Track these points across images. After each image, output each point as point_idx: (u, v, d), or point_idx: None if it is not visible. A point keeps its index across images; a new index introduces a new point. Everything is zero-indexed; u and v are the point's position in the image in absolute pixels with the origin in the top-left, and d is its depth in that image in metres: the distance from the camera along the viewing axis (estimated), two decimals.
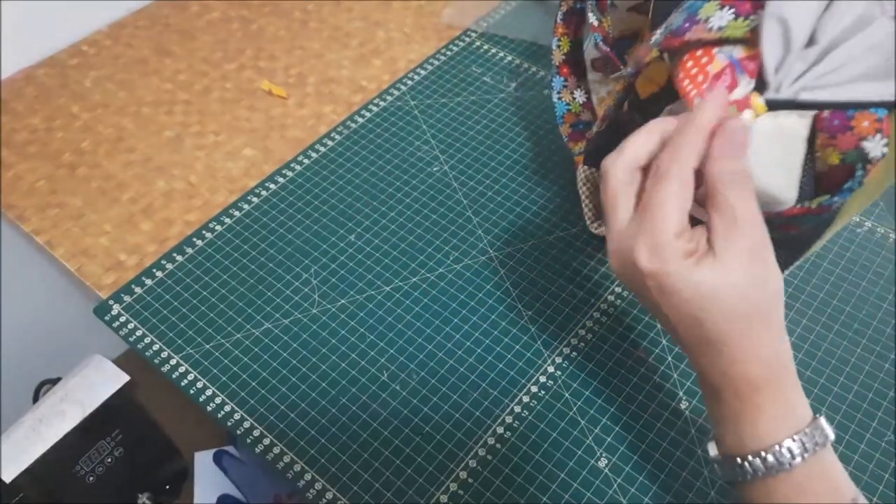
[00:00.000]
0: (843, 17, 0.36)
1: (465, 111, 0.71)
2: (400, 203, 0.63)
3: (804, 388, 0.51)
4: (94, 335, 0.77)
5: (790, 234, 0.42)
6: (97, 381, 0.79)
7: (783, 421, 0.36)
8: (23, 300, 0.85)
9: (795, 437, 0.35)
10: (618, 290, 0.57)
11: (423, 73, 0.75)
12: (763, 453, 0.35)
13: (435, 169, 0.66)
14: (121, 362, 0.82)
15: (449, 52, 0.77)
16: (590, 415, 0.51)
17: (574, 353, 0.54)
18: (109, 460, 0.79)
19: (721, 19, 0.38)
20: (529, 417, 0.51)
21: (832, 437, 0.36)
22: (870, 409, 0.51)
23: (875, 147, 0.36)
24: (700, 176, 0.36)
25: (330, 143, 0.69)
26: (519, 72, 0.74)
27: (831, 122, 0.37)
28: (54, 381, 0.83)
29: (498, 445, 0.49)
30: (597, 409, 0.51)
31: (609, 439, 0.49)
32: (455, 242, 0.60)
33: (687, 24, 0.39)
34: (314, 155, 0.68)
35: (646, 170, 0.37)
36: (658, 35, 0.41)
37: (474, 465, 0.49)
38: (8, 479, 0.73)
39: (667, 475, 0.48)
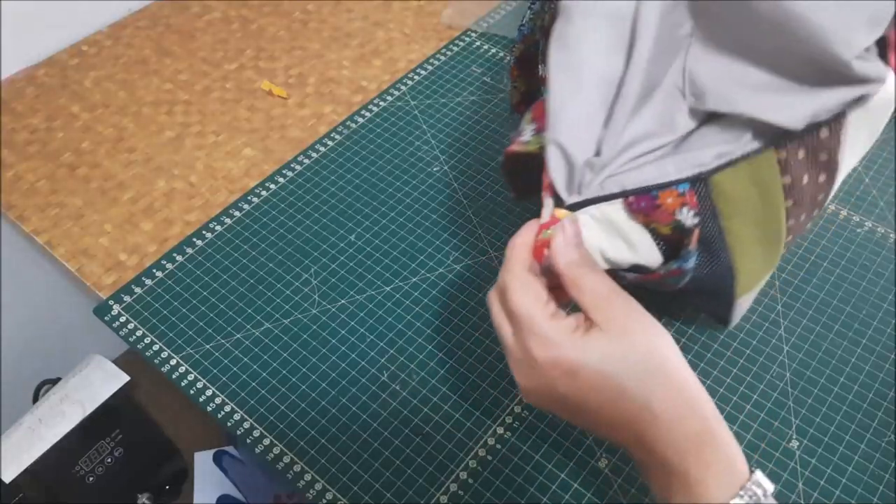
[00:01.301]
0: (623, 129, 0.38)
1: (465, 111, 0.71)
2: (400, 203, 0.63)
3: (804, 390, 0.51)
4: (94, 335, 0.77)
5: (685, 290, 0.44)
6: (97, 381, 0.79)
7: (728, 477, 0.35)
8: (23, 300, 0.85)
9: (742, 495, 0.35)
10: None
11: (423, 73, 0.75)
12: None
13: (435, 169, 0.66)
14: (121, 362, 0.82)
15: (449, 52, 0.77)
16: None
17: None
18: (109, 460, 0.79)
19: (527, 134, 0.41)
20: (529, 418, 0.51)
21: (771, 488, 0.35)
22: (870, 409, 0.50)
23: (686, 218, 0.38)
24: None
25: (330, 143, 0.69)
26: None
27: (639, 204, 0.38)
28: (54, 381, 0.83)
29: (498, 446, 0.49)
30: None
31: None
32: (455, 242, 0.60)
33: (514, 135, 0.42)
34: (314, 155, 0.68)
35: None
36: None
37: (474, 465, 0.49)
38: (8, 479, 0.73)
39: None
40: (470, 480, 0.48)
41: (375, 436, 0.50)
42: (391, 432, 0.50)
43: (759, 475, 0.36)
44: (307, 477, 0.49)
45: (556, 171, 0.39)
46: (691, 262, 0.40)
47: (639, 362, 0.35)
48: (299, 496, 0.49)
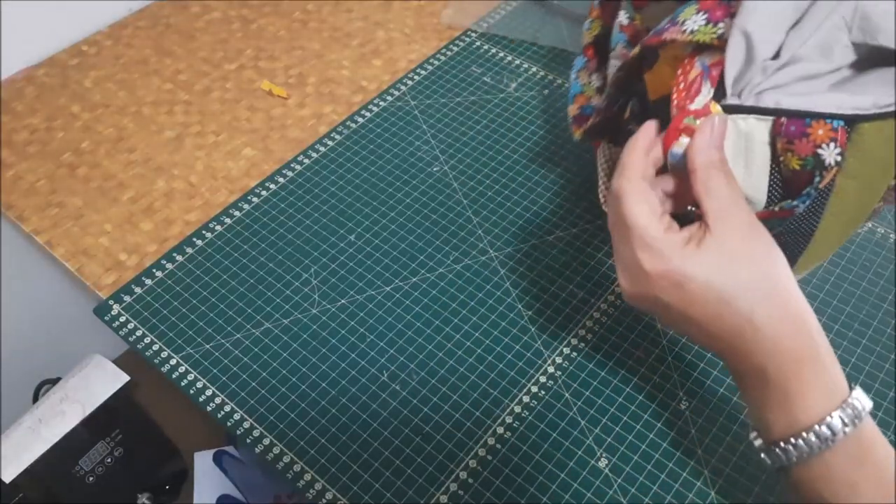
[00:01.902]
0: (808, 38, 0.38)
1: (465, 111, 0.71)
2: (400, 203, 0.63)
3: None
4: (94, 335, 0.77)
5: None
6: (97, 381, 0.79)
7: (829, 393, 0.36)
8: (23, 300, 0.85)
9: (845, 408, 0.35)
10: (618, 290, 0.57)
11: (423, 73, 0.75)
12: (818, 427, 0.35)
13: (435, 169, 0.66)
14: (121, 362, 0.82)
15: (449, 53, 0.77)
16: (590, 415, 0.51)
17: (574, 353, 0.54)
18: (109, 460, 0.79)
19: (694, 23, 0.40)
20: (529, 417, 0.51)
21: (870, 405, 0.36)
22: None
23: (829, 155, 0.38)
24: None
25: (330, 143, 0.69)
26: (519, 72, 0.74)
27: (788, 128, 0.38)
28: (54, 381, 0.83)
29: (498, 445, 0.49)
30: (597, 409, 0.51)
31: (609, 439, 0.49)
32: (455, 242, 0.60)
33: (667, 25, 0.41)
34: (314, 155, 0.68)
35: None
36: (646, 36, 0.43)
37: (474, 465, 0.49)
38: (8, 479, 0.73)
39: (667, 475, 0.48)
40: (470, 480, 0.48)
41: (375, 436, 0.50)
42: (391, 432, 0.50)
43: (858, 391, 0.36)
44: (307, 477, 0.49)
45: (732, 62, 0.38)
46: (802, 207, 0.39)
47: (750, 279, 0.35)
48: (299, 496, 0.49)
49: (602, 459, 0.48)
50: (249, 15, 0.83)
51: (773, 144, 0.39)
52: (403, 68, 0.76)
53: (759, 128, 0.38)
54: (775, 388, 0.36)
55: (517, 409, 0.51)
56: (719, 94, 0.39)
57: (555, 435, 0.50)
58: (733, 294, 0.35)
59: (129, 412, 0.82)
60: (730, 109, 0.38)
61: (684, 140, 0.38)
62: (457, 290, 0.57)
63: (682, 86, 0.40)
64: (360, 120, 0.70)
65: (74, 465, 0.78)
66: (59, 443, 0.75)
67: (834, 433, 0.35)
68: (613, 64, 0.59)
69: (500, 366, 0.53)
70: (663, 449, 0.49)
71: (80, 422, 0.76)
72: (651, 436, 0.50)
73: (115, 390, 0.79)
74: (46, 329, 0.90)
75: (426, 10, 0.83)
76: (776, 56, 0.38)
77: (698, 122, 0.38)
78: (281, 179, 0.66)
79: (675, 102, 0.40)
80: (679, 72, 0.41)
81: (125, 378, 0.80)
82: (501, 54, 0.76)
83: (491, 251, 0.60)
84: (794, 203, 0.39)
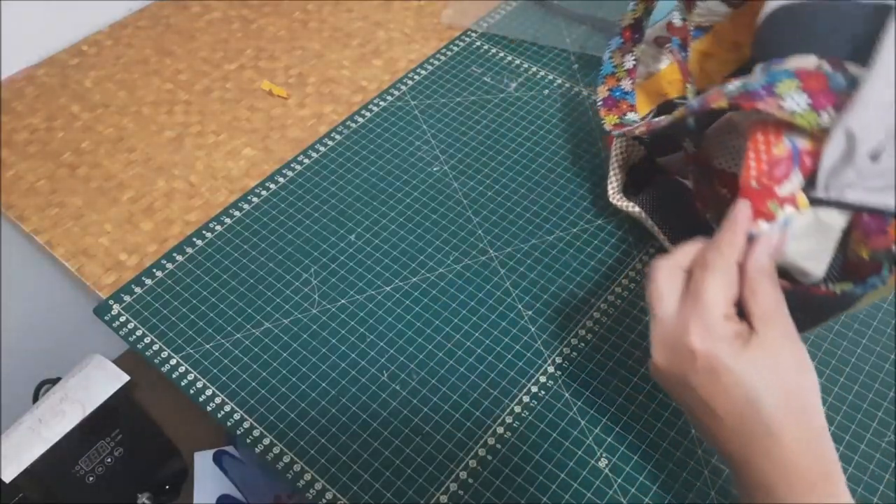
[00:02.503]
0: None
1: (465, 111, 0.71)
2: (400, 203, 0.63)
3: None
4: (94, 335, 0.77)
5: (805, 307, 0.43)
6: (97, 381, 0.79)
7: None
8: (23, 300, 0.85)
9: None
10: (618, 290, 0.57)
11: (423, 73, 0.75)
12: None
13: (435, 169, 0.66)
14: (121, 362, 0.82)
15: (449, 53, 0.77)
16: (590, 415, 0.51)
17: (574, 353, 0.54)
18: (109, 460, 0.79)
19: (796, 104, 0.39)
20: (529, 417, 0.51)
21: None
22: (870, 409, 0.51)
23: None
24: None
25: (330, 143, 0.69)
26: (519, 72, 0.74)
27: (868, 223, 0.39)
28: (54, 381, 0.83)
29: (498, 445, 0.49)
30: (597, 409, 0.51)
31: (609, 439, 0.49)
32: (455, 242, 0.60)
33: (763, 92, 0.40)
34: (314, 155, 0.68)
35: (689, 273, 0.40)
36: (734, 88, 0.42)
37: (474, 465, 0.49)
38: (8, 479, 0.73)
39: (667, 475, 0.48)
40: (470, 480, 0.48)
41: (375, 436, 0.50)
42: (391, 432, 0.50)
43: None
44: (307, 477, 0.49)
45: (829, 158, 0.38)
46: (860, 293, 0.40)
47: (782, 391, 0.35)
48: (299, 496, 0.49)
49: (602, 459, 0.48)
50: (249, 15, 0.83)
51: (847, 231, 0.40)
52: (403, 68, 0.76)
53: (838, 218, 0.39)
54: None
55: (517, 409, 0.51)
56: (809, 186, 0.39)
57: (555, 435, 0.50)
58: (762, 400, 0.35)
59: (129, 412, 0.82)
60: (816, 202, 0.39)
61: (763, 226, 0.38)
62: (457, 290, 0.57)
63: (763, 155, 0.40)
64: (360, 120, 0.70)
65: (74, 465, 0.78)
66: (59, 443, 0.75)
67: None
68: (647, 51, 0.59)
69: (500, 366, 0.53)
70: (663, 449, 0.49)
71: (80, 422, 0.76)
72: (651, 436, 0.50)
73: (115, 390, 0.79)
74: (46, 329, 0.90)
75: (426, 10, 0.83)
76: (874, 155, 0.38)
77: (767, 226, 0.38)
78: (281, 179, 0.66)
79: (753, 172, 0.40)
80: (760, 136, 0.40)
81: (125, 378, 0.80)
82: (501, 54, 0.76)
83: (491, 251, 0.60)
84: (856, 289, 0.39)
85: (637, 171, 0.59)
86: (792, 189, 0.39)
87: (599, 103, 0.59)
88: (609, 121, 0.58)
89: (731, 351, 0.36)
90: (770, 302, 0.37)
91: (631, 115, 0.58)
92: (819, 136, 0.38)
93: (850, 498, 0.36)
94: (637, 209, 0.56)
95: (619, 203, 0.58)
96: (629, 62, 0.59)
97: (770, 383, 0.35)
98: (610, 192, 0.58)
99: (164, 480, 0.86)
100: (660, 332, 0.39)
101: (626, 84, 0.59)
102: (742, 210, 0.39)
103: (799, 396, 0.36)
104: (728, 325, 0.36)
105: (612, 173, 0.58)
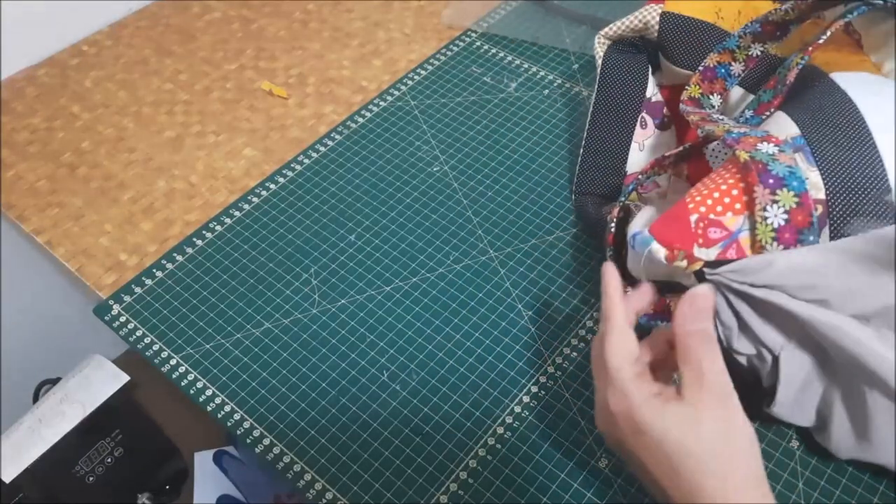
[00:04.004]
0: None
1: (465, 111, 0.71)
2: (400, 203, 0.63)
3: None
4: (94, 335, 0.77)
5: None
6: (97, 381, 0.79)
7: None
8: (23, 300, 0.85)
9: None
10: None
11: (423, 73, 0.75)
12: None
13: (435, 169, 0.66)
14: (121, 362, 0.82)
15: (449, 53, 0.77)
16: (590, 415, 0.51)
17: (574, 353, 0.54)
18: (109, 460, 0.79)
19: (775, 216, 0.39)
20: (529, 417, 0.51)
21: None
22: None
23: None
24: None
25: (330, 143, 0.69)
26: (519, 72, 0.74)
27: None
28: (54, 381, 0.83)
29: (498, 446, 0.49)
30: None
31: None
32: (455, 242, 0.60)
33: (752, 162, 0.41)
34: (314, 155, 0.68)
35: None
36: (734, 134, 0.43)
37: (474, 465, 0.49)
38: (8, 479, 0.73)
39: None
40: (470, 480, 0.48)
41: (375, 436, 0.50)
42: (391, 432, 0.50)
43: None
44: (307, 477, 0.49)
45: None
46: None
47: (708, 450, 0.35)
48: (299, 496, 0.49)
49: (602, 459, 0.48)
50: (249, 15, 0.83)
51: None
52: (403, 68, 0.76)
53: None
54: None
55: (517, 409, 0.51)
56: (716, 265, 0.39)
57: (555, 435, 0.50)
58: (691, 452, 0.35)
59: (129, 412, 0.82)
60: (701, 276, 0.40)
61: (697, 288, 0.39)
62: (457, 290, 0.57)
63: (717, 207, 0.41)
64: (360, 120, 0.70)
65: (74, 465, 0.78)
66: (59, 443, 0.75)
67: None
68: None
69: (500, 366, 0.53)
70: None
71: (80, 422, 0.76)
72: None
73: (115, 390, 0.79)
74: (46, 329, 0.90)
75: (426, 10, 0.83)
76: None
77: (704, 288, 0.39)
78: (281, 179, 0.66)
79: (702, 207, 0.41)
80: (724, 185, 0.41)
81: (125, 378, 0.79)
82: (501, 54, 0.76)
83: (491, 251, 0.60)
84: None
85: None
86: (707, 256, 0.40)
87: (700, 68, 0.54)
88: (693, 90, 0.54)
89: (649, 410, 0.36)
90: (695, 362, 0.37)
91: (715, 99, 0.54)
92: (757, 249, 0.40)
93: None
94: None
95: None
96: (756, 51, 0.53)
97: (695, 435, 0.35)
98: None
99: (164, 480, 0.86)
100: (596, 399, 0.41)
101: (737, 69, 0.54)
102: (608, 271, 0.41)
103: (727, 459, 0.35)
104: (642, 385, 0.37)
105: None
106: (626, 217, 0.52)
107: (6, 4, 0.73)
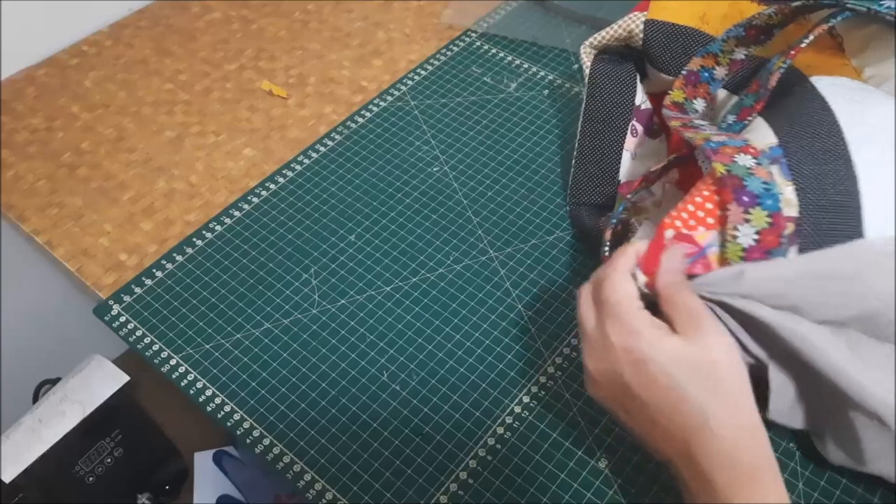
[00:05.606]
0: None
1: (465, 111, 0.71)
2: (400, 203, 0.63)
3: None
4: (94, 335, 0.77)
5: None
6: (97, 382, 0.79)
7: None
8: (23, 300, 0.85)
9: None
10: None
11: (423, 73, 0.75)
12: None
13: (435, 169, 0.66)
14: (121, 362, 0.82)
15: (449, 53, 0.77)
16: (590, 415, 0.51)
17: (574, 353, 0.54)
18: (109, 460, 0.79)
19: (747, 233, 0.39)
20: (529, 418, 0.51)
21: None
22: None
23: None
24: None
25: (330, 143, 0.69)
26: (519, 72, 0.74)
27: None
28: (54, 381, 0.83)
29: (498, 446, 0.49)
30: (597, 409, 0.51)
31: (609, 440, 0.49)
32: (455, 242, 0.60)
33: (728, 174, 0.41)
34: (314, 155, 0.68)
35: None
36: (713, 143, 0.42)
37: (474, 465, 0.49)
38: (8, 479, 0.73)
39: (667, 476, 0.48)
40: (470, 480, 0.48)
41: (375, 436, 0.50)
42: (391, 432, 0.50)
43: None
44: (307, 477, 0.49)
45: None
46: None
47: (710, 377, 0.35)
48: (299, 496, 0.49)
49: (602, 459, 0.48)
50: (249, 15, 0.83)
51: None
52: (403, 68, 0.76)
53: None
54: (721, 500, 0.35)
55: (517, 410, 0.51)
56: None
57: (555, 435, 0.50)
58: (692, 388, 0.35)
59: (129, 412, 0.82)
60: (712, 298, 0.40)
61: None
62: (457, 290, 0.57)
63: (691, 222, 0.41)
64: (360, 120, 0.70)
65: (74, 465, 0.78)
66: (59, 443, 0.75)
67: None
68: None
69: (500, 366, 0.53)
70: None
71: (80, 422, 0.76)
72: None
73: (115, 390, 0.79)
74: (46, 329, 0.90)
75: (426, 10, 0.83)
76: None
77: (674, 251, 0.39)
78: (281, 179, 0.66)
79: (665, 221, 0.41)
80: (700, 198, 0.41)
81: (125, 378, 0.80)
82: (501, 54, 0.76)
83: (491, 251, 0.60)
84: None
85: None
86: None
87: (684, 72, 0.54)
88: (676, 95, 0.54)
89: (650, 339, 0.36)
90: (687, 305, 0.37)
91: (698, 104, 0.54)
92: (724, 262, 0.40)
93: (785, 494, 0.36)
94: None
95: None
96: (739, 54, 0.53)
97: (694, 370, 0.35)
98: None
99: (164, 481, 0.86)
100: (587, 345, 0.40)
101: (721, 72, 0.54)
102: (632, 244, 0.41)
103: (728, 387, 0.36)
104: (641, 314, 0.37)
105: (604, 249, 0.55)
106: (624, 231, 0.53)
107: (6, 4, 0.73)
